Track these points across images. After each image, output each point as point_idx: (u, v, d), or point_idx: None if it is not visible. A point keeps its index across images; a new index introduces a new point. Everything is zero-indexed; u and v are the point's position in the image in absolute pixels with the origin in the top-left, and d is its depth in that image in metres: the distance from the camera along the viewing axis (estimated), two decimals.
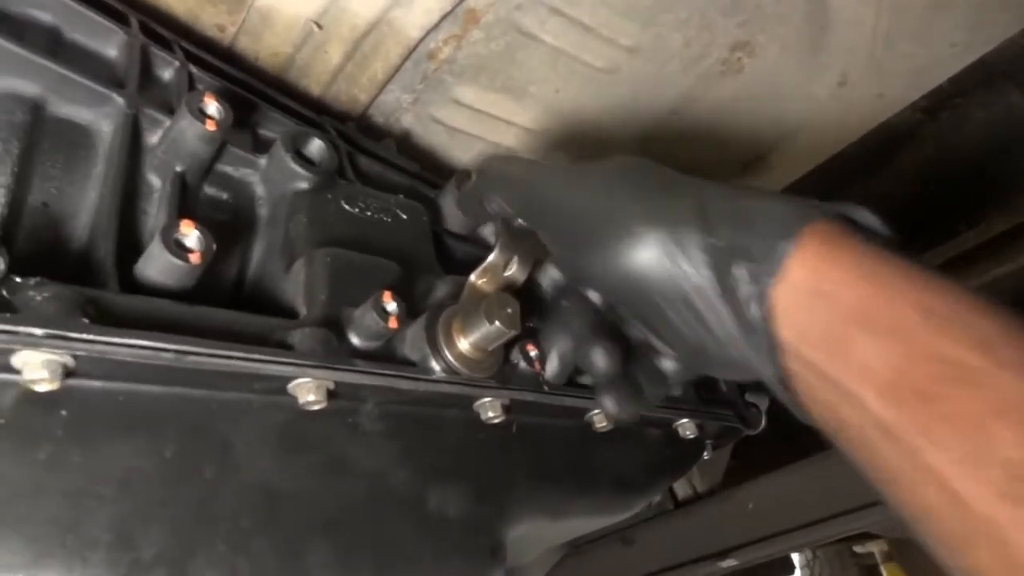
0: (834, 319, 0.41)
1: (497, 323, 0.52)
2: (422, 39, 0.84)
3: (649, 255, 0.48)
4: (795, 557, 2.38)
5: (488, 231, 0.77)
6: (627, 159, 0.56)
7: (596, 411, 0.65)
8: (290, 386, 0.48)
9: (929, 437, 0.35)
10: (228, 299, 0.60)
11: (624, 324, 0.62)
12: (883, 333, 0.38)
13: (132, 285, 0.48)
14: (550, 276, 0.66)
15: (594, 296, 0.61)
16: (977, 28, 0.95)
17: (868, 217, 0.45)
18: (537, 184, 0.58)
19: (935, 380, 0.36)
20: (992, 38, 0.97)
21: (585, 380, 0.65)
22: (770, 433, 0.90)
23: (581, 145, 1.06)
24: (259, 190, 0.64)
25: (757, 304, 0.43)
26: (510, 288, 0.59)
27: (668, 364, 0.60)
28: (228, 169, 0.62)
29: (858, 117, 1.03)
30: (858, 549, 2.35)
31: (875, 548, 2.25)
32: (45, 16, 0.58)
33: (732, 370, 0.51)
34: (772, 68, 0.97)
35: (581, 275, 0.57)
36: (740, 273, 0.44)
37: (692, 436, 0.73)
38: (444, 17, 0.82)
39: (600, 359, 0.59)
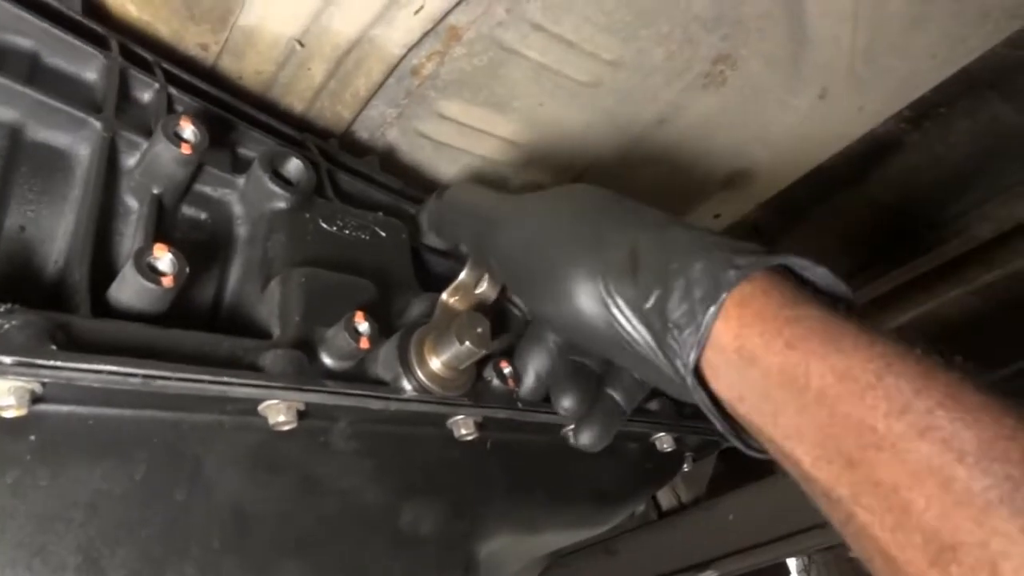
0: (761, 383, 0.41)
1: (467, 343, 0.52)
2: (404, 56, 0.85)
3: (590, 307, 0.49)
4: (791, 562, 2.38)
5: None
6: (567, 193, 0.56)
7: (571, 427, 0.66)
8: (260, 407, 0.48)
9: (859, 503, 0.36)
10: (205, 320, 0.60)
11: None
12: (807, 399, 0.39)
13: (106, 309, 0.49)
14: None
15: None
16: (957, 40, 0.95)
17: (798, 263, 0.45)
18: (486, 222, 0.58)
19: (857, 447, 0.36)
20: (973, 50, 0.98)
21: None
22: None
23: (566, 157, 1.06)
24: (237, 210, 0.64)
25: (689, 373, 0.44)
26: (482, 306, 0.60)
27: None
28: (207, 189, 0.63)
29: (840, 129, 1.03)
30: (854, 554, 2.34)
31: None
32: (24, 41, 0.59)
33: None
34: (754, 81, 0.97)
35: (531, 313, 0.58)
36: (672, 341, 0.45)
37: (670, 449, 0.74)
38: (426, 35, 0.83)
39: (567, 402, 0.60)
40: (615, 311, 0.48)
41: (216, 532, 0.46)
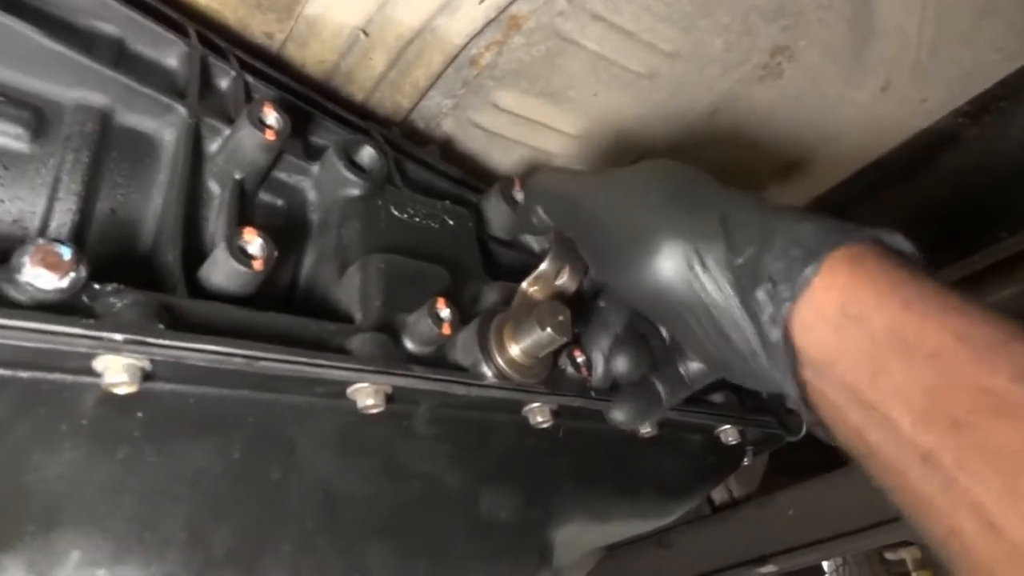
0: (866, 343, 0.40)
1: (549, 330, 0.52)
2: (465, 46, 0.85)
3: (672, 268, 0.48)
4: (824, 563, 2.36)
5: (531, 237, 0.78)
6: (657, 164, 0.56)
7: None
8: (349, 390, 0.49)
9: (965, 467, 0.35)
10: (282, 303, 0.61)
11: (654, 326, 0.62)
12: (918, 359, 0.37)
13: (198, 290, 0.50)
14: (588, 275, 0.66)
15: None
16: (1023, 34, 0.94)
17: (901, 242, 0.44)
18: (572, 195, 0.58)
19: (971, 410, 0.35)
20: None
21: None
22: (806, 439, 0.89)
23: (619, 148, 1.06)
24: (311, 196, 0.65)
25: (777, 327, 0.43)
26: (561, 297, 0.60)
27: (693, 366, 0.61)
28: (282, 176, 0.64)
29: (901, 122, 1.02)
30: (889, 556, 2.31)
31: (907, 555, 2.21)
32: (110, 28, 0.60)
33: (757, 382, 0.50)
34: (813, 73, 0.96)
35: (611, 284, 0.57)
36: (762, 295, 0.44)
37: (734, 442, 0.74)
38: (487, 24, 0.83)
39: (621, 364, 0.60)
40: (698, 269, 0.47)
41: (310, 511, 0.47)
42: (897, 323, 0.39)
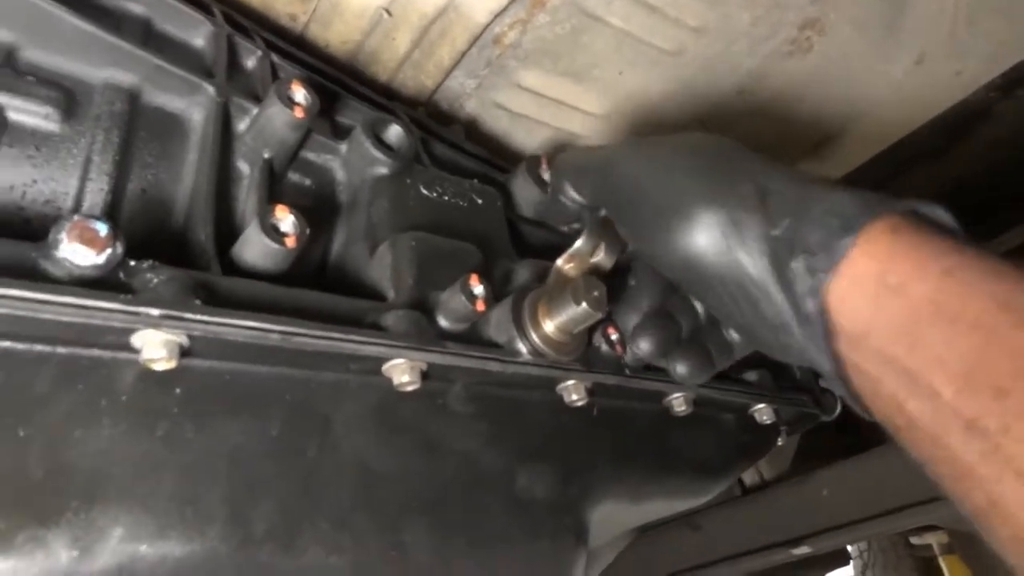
0: (904, 312, 0.39)
1: (584, 305, 0.52)
2: (488, 24, 0.84)
3: (707, 238, 0.48)
4: (849, 547, 2.33)
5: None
6: (694, 135, 0.56)
7: (675, 395, 0.65)
8: (385, 367, 0.48)
9: (1011, 433, 0.35)
10: (313, 281, 0.60)
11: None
12: (957, 326, 0.37)
13: (230, 268, 0.50)
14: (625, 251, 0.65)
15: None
16: None
17: (939, 213, 0.43)
18: (605, 164, 0.58)
19: (1013, 375, 0.35)
20: None
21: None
22: (832, 421, 0.88)
23: (644, 128, 1.04)
24: (339, 175, 0.65)
25: (813, 298, 0.43)
26: (596, 273, 0.59)
27: (734, 335, 0.61)
28: (310, 155, 0.63)
29: (935, 96, 0.99)
30: (915, 540, 2.28)
31: (933, 540, 2.18)
32: (137, 8, 0.60)
33: (787, 355, 0.50)
34: (844, 47, 0.94)
35: (645, 254, 0.57)
36: (798, 266, 0.44)
37: (769, 421, 0.73)
38: (511, 2, 0.81)
39: (644, 345, 0.59)
40: (733, 240, 0.47)
41: (346, 489, 0.46)
42: (938, 292, 0.39)
